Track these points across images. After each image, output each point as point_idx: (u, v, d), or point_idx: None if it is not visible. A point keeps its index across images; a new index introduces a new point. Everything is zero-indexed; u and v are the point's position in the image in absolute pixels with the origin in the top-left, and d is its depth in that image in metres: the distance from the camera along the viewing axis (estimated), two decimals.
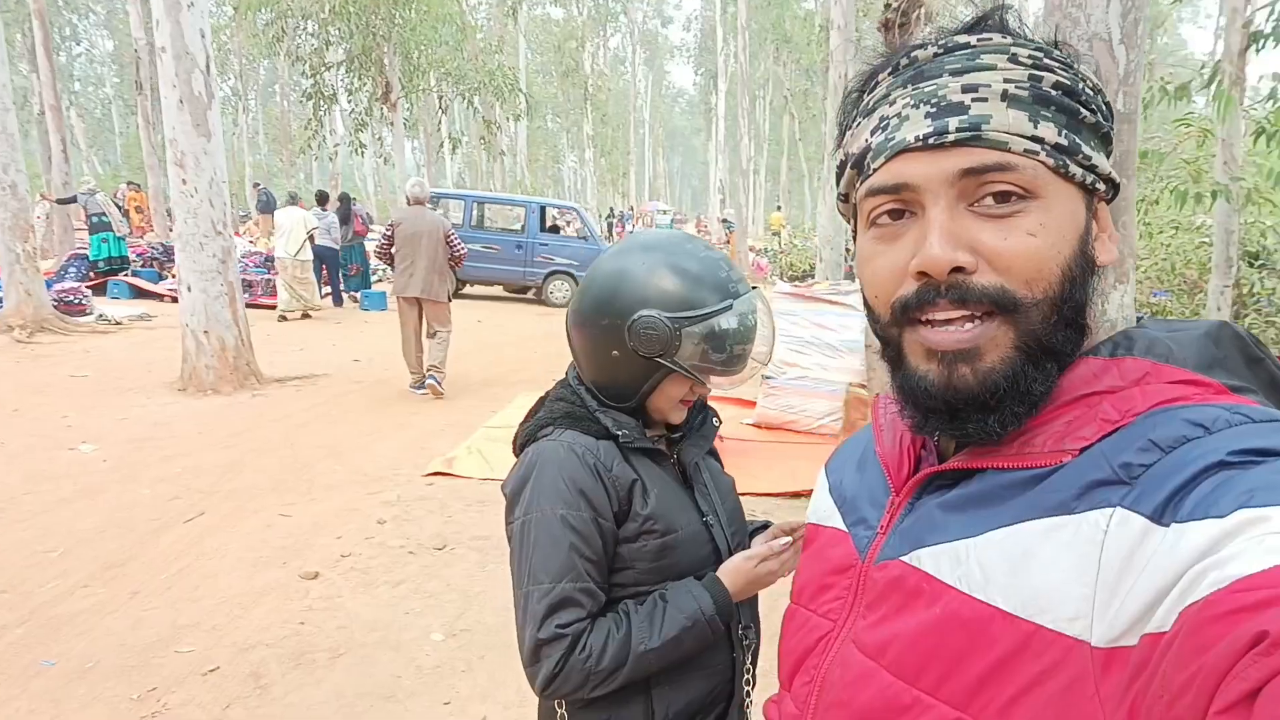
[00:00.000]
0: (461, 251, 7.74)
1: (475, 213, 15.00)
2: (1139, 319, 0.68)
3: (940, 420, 0.62)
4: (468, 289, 14.64)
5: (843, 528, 0.74)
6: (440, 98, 15.42)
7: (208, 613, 3.60)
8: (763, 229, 31.60)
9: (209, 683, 3.09)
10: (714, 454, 1.41)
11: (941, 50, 0.61)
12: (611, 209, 38.30)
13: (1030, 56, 0.59)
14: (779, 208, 31.96)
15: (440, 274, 7.55)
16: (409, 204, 7.69)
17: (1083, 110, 0.60)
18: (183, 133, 7.43)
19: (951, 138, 0.57)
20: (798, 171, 38.54)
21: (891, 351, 0.65)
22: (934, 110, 0.59)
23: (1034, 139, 0.57)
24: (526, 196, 22.93)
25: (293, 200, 13.59)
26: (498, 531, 4.53)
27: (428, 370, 7.68)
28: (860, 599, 0.67)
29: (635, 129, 54.73)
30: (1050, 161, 0.58)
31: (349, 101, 15.12)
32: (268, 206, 18.84)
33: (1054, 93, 0.59)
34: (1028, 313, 0.58)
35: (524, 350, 10.45)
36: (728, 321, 1.19)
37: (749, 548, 1.32)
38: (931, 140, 0.58)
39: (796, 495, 5.13)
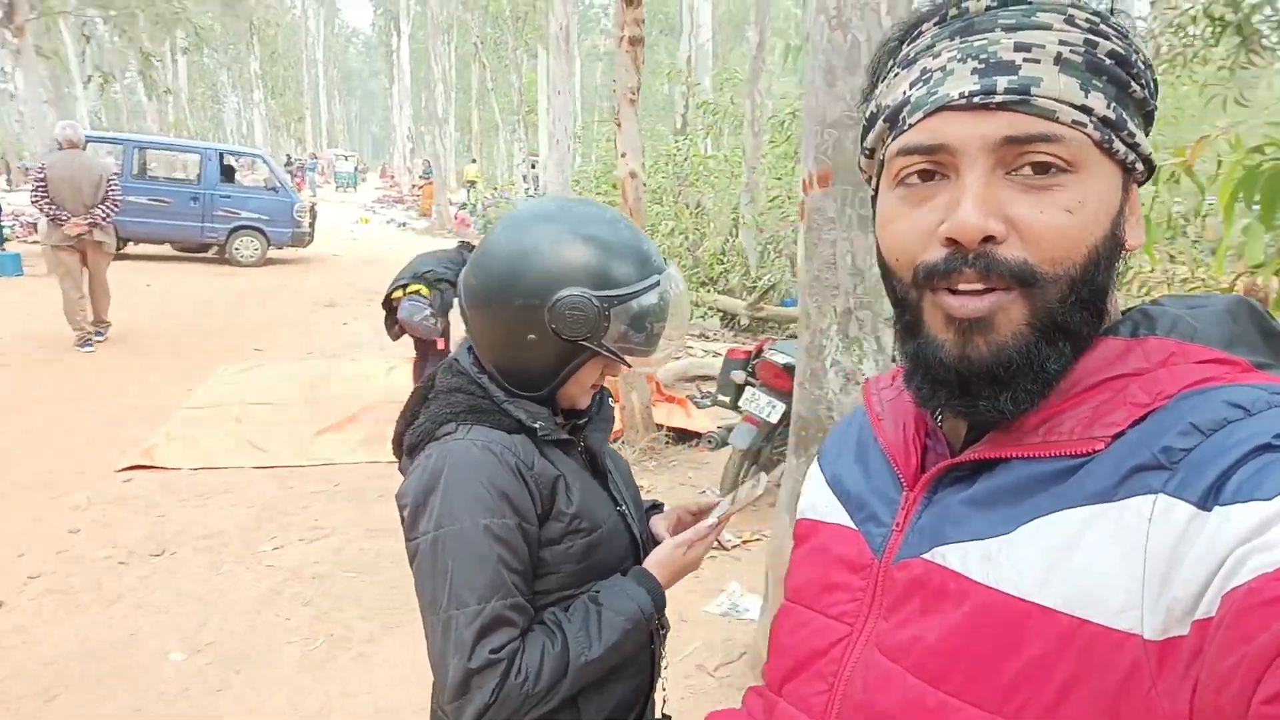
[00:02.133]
0: (115, 198, 7.33)
1: (137, 160, 12.79)
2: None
3: (950, 393, 0.59)
4: (130, 248, 12.65)
5: (851, 525, 0.70)
6: (84, 24, 12.83)
7: None
8: (454, 181, 30.81)
9: None
10: None
11: (995, 3, 0.58)
12: (289, 156, 35.15)
13: (1087, 20, 0.56)
14: (473, 160, 31.33)
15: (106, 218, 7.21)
16: (60, 148, 7.06)
17: (1133, 84, 0.57)
18: None
19: (998, 98, 0.54)
20: (489, 122, 37.96)
21: (908, 317, 0.61)
22: (982, 66, 0.55)
23: (1083, 109, 0.55)
24: (203, 142, 20.21)
25: None
26: (227, 527, 3.99)
27: (94, 326, 7.37)
28: (880, 600, 0.64)
29: (308, 68, 50.36)
30: (1096, 135, 0.55)
31: None
32: None
33: (1107, 61, 0.56)
34: (1045, 289, 0.56)
35: (211, 317, 9.28)
36: (655, 298, 1.11)
37: (649, 533, 1.26)
38: (976, 99, 0.55)
39: None
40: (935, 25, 0.60)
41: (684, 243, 10.77)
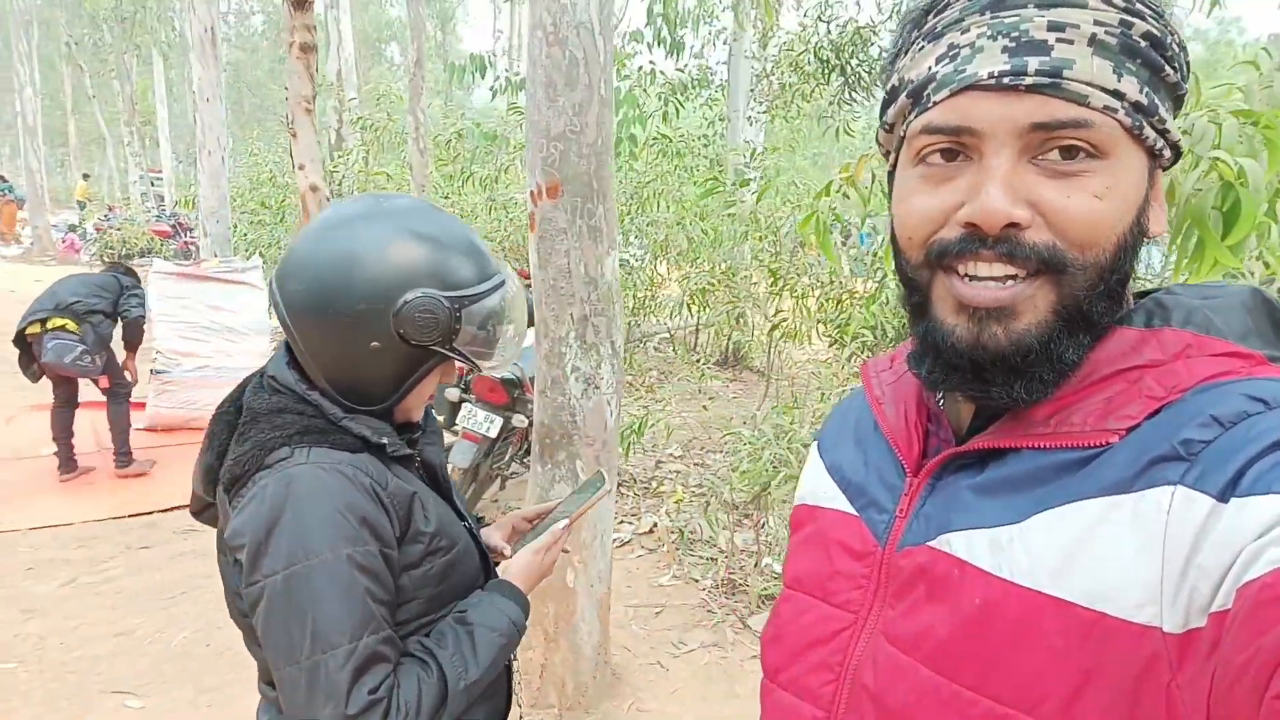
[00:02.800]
0: None
1: None
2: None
3: (962, 378, 0.58)
4: None
5: (851, 511, 0.69)
6: None
7: None
8: (49, 200, 26.25)
9: None
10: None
11: None
12: None
13: None
14: (86, 175, 26.87)
15: None
16: None
17: (1167, 67, 0.55)
18: None
19: (1029, 80, 0.52)
20: (92, 133, 32.89)
21: (917, 298, 0.60)
22: (1013, 45, 0.53)
23: (1115, 94, 0.53)
24: None
25: None
26: None
27: None
28: (885, 588, 0.63)
29: None
30: (1127, 121, 0.53)
31: None
32: None
33: (1142, 43, 0.54)
34: (1075, 277, 0.54)
35: None
36: (501, 297, 1.06)
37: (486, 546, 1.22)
38: (1006, 80, 0.53)
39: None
40: None
41: None
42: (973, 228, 0.54)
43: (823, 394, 4.45)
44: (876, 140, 0.67)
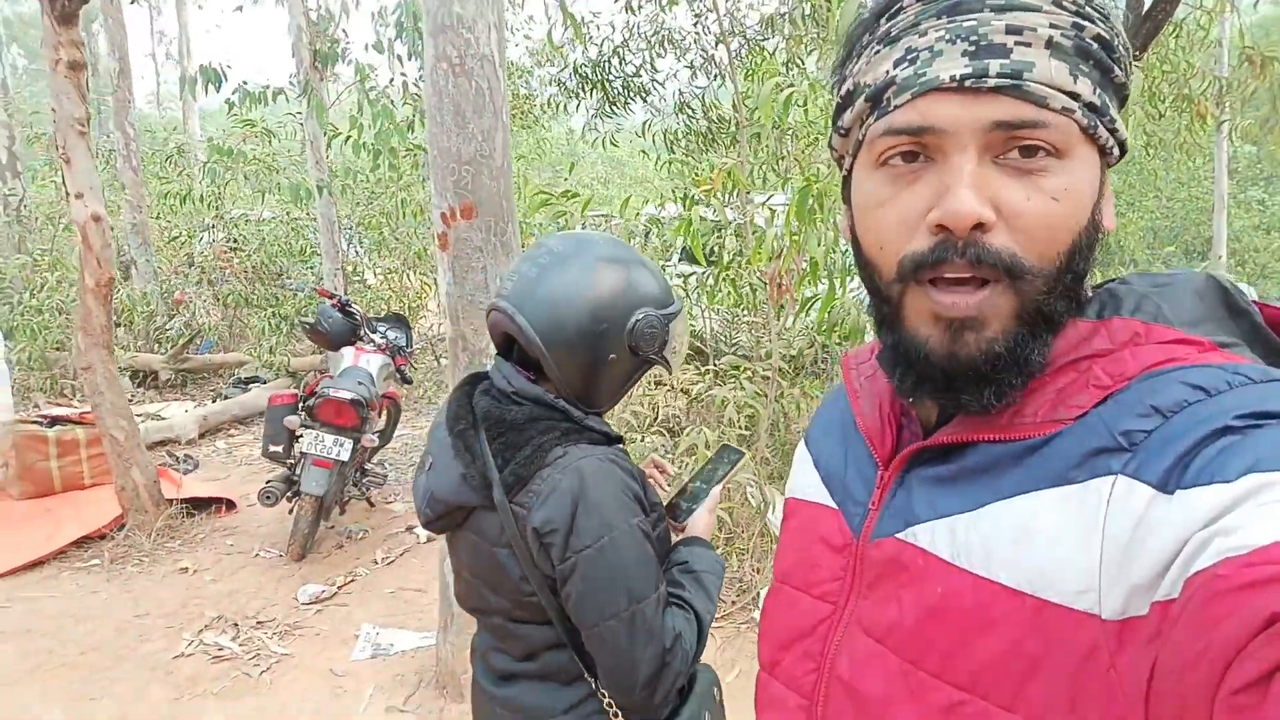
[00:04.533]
0: None
1: None
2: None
3: (933, 387, 0.59)
4: None
5: (831, 504, 0.71)
6: None
7: None
8: None
9: None
10: None
11: None
12: None
13: (1073, 2, 0.55)
14: None
15: None
16: None
17: (1115, 68, 0.56)
18: None
19: (991, 82, 0.53)
20: None
21: (888, 310, 0.61)
22: (972, 49, 0.54)
23: (1072, 95, 0.54)
24: None
25: None
26: None
27: None
28: (860, 579, 0.65)
29: None
30: (1084, 121, 0.54)
31: None
32: None
33: (1094, 45, 0.55)
34: (1032, 281, 0.55)
35: None
36: (683, 311, 1.32)
37: None
38: (969, 82, 0.53)
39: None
40: (919, 2, 0.58)
41: (46, 296, 8.59)
42: (943, 230, 0.55)
43: None
44: (830, 145, 0.67)
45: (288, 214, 8.61)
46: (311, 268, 8.73)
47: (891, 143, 0.57)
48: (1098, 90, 0.56)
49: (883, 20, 0.59)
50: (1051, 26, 0.54)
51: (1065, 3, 0.55)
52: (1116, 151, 0.58)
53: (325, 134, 7.04)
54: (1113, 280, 0.63)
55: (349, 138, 6.15)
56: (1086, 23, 0.55)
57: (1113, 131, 0.57)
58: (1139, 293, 0.60)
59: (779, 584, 0.74)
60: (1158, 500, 0.47)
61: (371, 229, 8.43)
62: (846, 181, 0.65)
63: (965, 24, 0.55)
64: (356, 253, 9.14)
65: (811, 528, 0.72)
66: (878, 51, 0.59)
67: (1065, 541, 0.51)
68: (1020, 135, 0.54)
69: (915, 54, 0.56)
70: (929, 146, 0.56)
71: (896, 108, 0.56)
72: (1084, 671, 0.48)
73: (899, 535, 0.62)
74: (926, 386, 0.59)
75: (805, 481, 0.77)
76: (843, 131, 0.63)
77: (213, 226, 8.90)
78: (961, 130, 0.54)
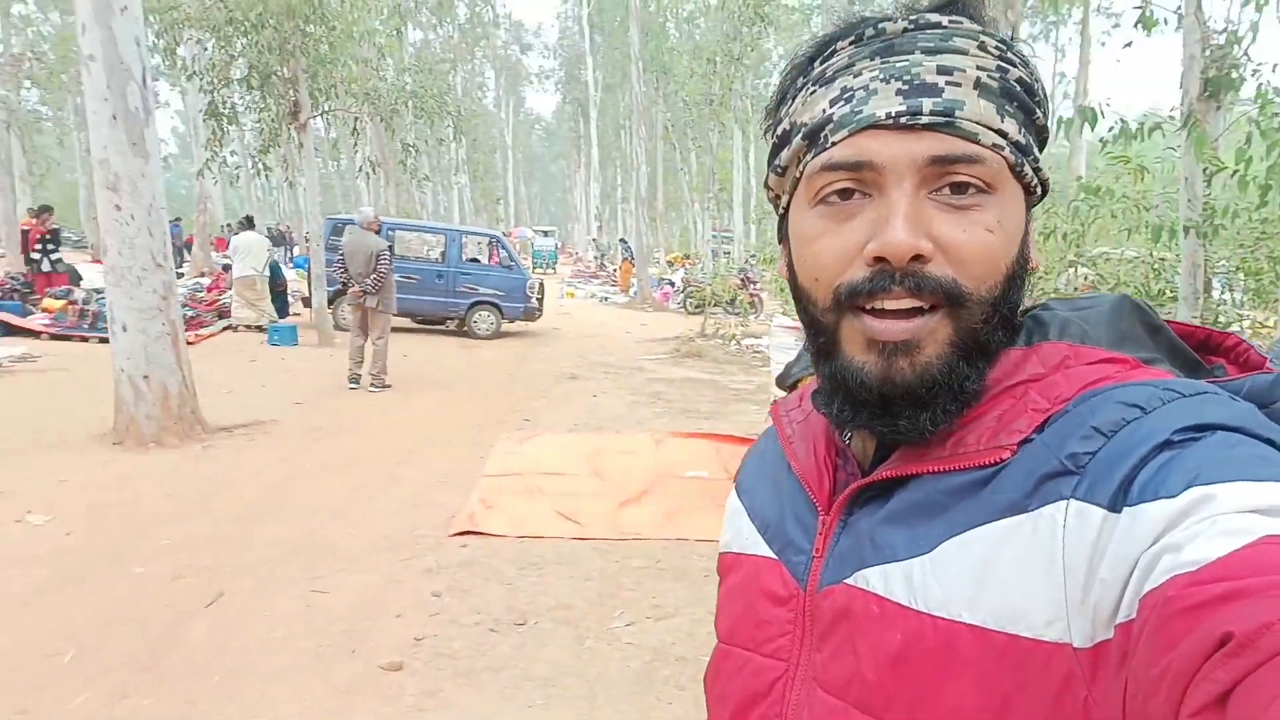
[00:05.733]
0: (381, 270, 8.94)
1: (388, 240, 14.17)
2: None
3: (872, 413, 0.59)
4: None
5: (771, 555, 0.68)
6: (356, 119, 14.33)
7: None
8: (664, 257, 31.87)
9: None
10: None
11: (913, 26, 0.58)
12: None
13: (996, 47, 0.58)
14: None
15: (376, 288, 9.01)
16: (361, 228, 9.17)
17: (1036, 110, 0.59)
18: (117, 152, 6.44)
19: (925, 119, 0.55)
20: (673, 198, 39.14)
21: (825, 340, 0.61)
22: (906, 88, 0.56)
23: (1000, 133, 0.56)
24: (446, 224, 22.09)
25: (249, 224, 14.41)
26: (574, 600, 4.27)
27: (373, 376, 9.14)
28: (810, 631, 0.62)
29: (501, 154, 53.82)
30: (1012, 159, 0.57)
31: (257, 121, 13.74)
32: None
33: (1017, 88, 0.58)
34: (971, 310, 0.56)
35: (478, 387, 10.01)
36: None
37: None
38: (904, 119, 0.55)
39: None
40: (851, 44, 0.59)
41: None
42: (881, 262, 0.55)
43: None
44: (765, 184, 0.67)
45: (1150, 253, 8.26)
46: (1169, 313, 8.20)
47: (829, 179, 0.58)
48: (1022, 130, 0.58)
49: (816, 63, 0.61)
50: (979, 69, 0.56)
51: (989, 47, 0.57)
52: (1039, 190, 0.61)
53: (1203, 168, 6.53)
54: (1035, 307, 0.64)
55: (1235, 172, 5.60)
56: (1010, 67, 0.58)
57: (1036, 171, 0.59)
58: (1063, 317, 0.61)
59: (725, 645, 0.71)
60: (1109, 520, 0.47)
61: (1250, 274, 7.44)
62: (783, 220, 0.66)
63: (898, 64, 0.57)
64: (1227, 299, 8.16)
65: (753, 582, 0.69)
66: (813, 92, 0.60)
67: (1027, 572, 0.50)
68: (954, 170, 0.55)
69: (851, 93, 0.57)
70: (866, 182, 0.56)
71: (834, 144, 0.57)
72: (1063, 702, 0.48)
73: (849, 581, 0.60)
74: (864, 414, 0.59)
75: (740, 533, 0.74)
76: (779, 170, 0.64)
77: (1073, 264, 9.14)
78: (898, 165, 0.55)
